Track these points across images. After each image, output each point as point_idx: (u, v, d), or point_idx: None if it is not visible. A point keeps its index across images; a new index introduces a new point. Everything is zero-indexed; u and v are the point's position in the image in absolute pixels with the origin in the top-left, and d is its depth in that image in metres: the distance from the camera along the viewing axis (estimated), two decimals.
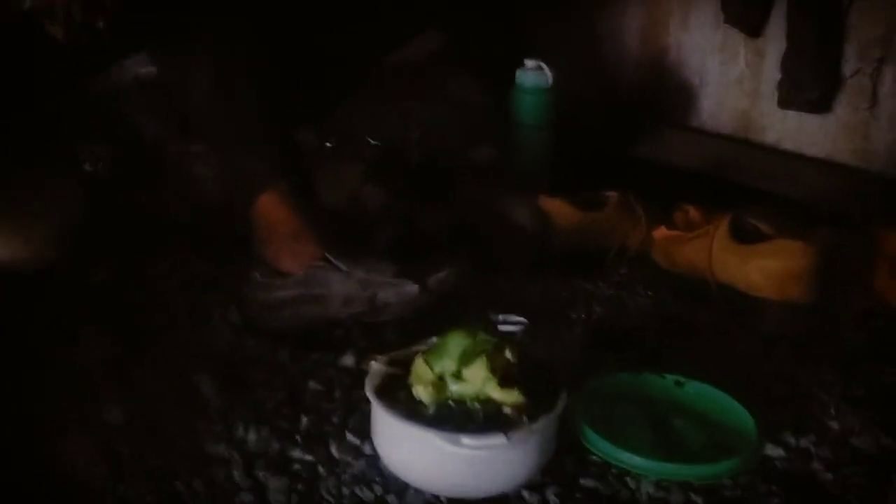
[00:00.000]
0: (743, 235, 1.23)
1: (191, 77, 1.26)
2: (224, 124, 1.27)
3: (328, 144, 1.78)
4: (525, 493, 0.88)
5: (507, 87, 1.70)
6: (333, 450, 0.94)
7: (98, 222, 1.28)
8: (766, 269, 1.18)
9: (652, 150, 1.92)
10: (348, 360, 1.10)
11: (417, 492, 0.87)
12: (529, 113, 1.67)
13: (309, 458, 0.93)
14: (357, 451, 0.94)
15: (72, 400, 0.99)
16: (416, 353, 0.92)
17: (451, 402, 0.87)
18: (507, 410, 0.86)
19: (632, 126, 1.98)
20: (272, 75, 1.32)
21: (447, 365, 0.88)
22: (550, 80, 1.65)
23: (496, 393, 0.87)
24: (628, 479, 0.91)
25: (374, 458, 0.92)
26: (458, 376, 0.88)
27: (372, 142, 1.83)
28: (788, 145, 1.87)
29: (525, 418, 0.85)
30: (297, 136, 1.59)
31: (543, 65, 1.65)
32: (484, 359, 0.88)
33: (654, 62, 2.03)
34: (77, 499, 0.87)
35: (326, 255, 1.16)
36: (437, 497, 0.87)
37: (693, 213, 1.47)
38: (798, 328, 1.18)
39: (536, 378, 0.90)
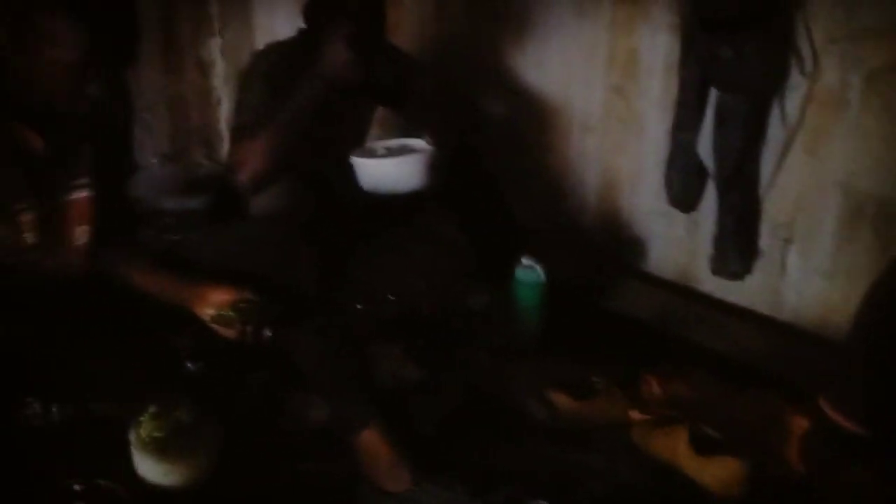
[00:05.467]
0: (698, 441, 1.76)
1: None
2: None
3: (358, 307, 2.22)
4: None
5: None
6: None
7: None
8: (715, 475, 1.71)
9: (615, 301, 2.44)
10: None
11: None
12: (527, 299, 2.15)
13: None
14: None
15: None
16: None
17: None
18: None
19: (599, 276, 2.50)
20: None
21: None
22: (543, 277, 2.13)
23: None
24: None
25: None
26: None
27: (391, 297, 2.27)
28: (719, 294, 2.41)
29: None
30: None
31: (536, 265, 2.13)
32: None
33: (612, 222, 2.56)
34: None
35: None
36: None
37: (655, 387, 2.00)
38: None
39: None
